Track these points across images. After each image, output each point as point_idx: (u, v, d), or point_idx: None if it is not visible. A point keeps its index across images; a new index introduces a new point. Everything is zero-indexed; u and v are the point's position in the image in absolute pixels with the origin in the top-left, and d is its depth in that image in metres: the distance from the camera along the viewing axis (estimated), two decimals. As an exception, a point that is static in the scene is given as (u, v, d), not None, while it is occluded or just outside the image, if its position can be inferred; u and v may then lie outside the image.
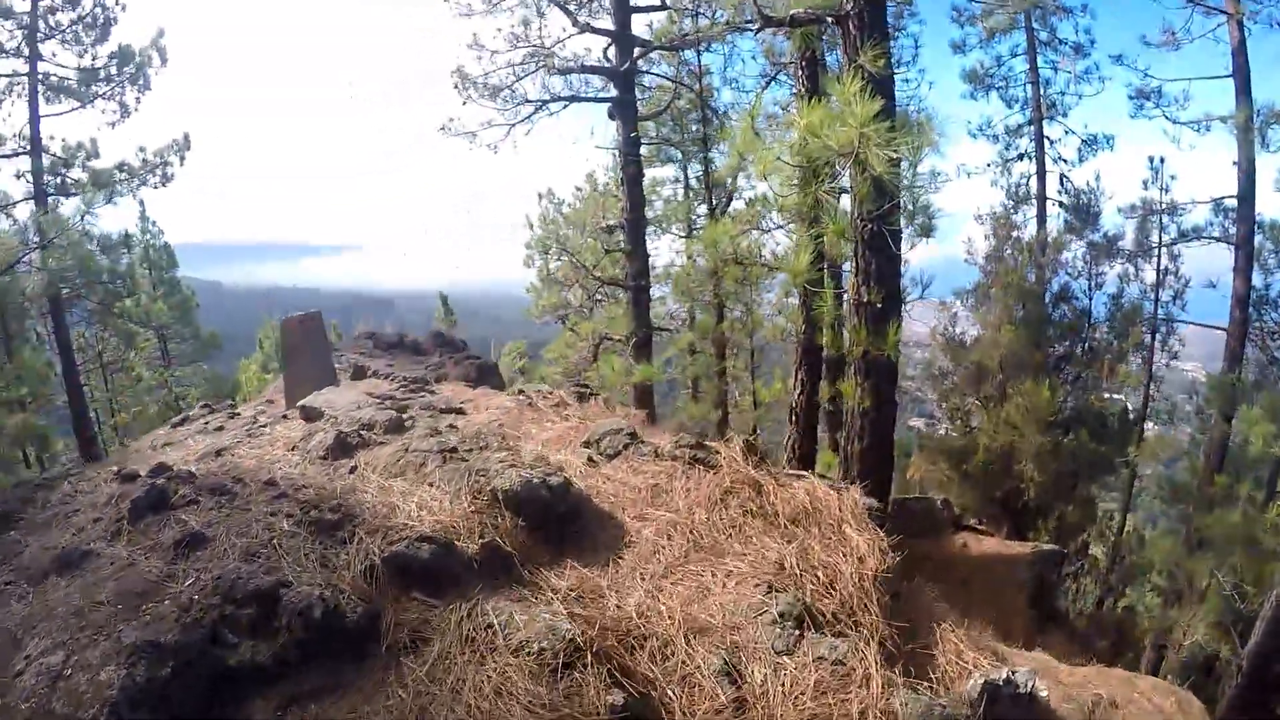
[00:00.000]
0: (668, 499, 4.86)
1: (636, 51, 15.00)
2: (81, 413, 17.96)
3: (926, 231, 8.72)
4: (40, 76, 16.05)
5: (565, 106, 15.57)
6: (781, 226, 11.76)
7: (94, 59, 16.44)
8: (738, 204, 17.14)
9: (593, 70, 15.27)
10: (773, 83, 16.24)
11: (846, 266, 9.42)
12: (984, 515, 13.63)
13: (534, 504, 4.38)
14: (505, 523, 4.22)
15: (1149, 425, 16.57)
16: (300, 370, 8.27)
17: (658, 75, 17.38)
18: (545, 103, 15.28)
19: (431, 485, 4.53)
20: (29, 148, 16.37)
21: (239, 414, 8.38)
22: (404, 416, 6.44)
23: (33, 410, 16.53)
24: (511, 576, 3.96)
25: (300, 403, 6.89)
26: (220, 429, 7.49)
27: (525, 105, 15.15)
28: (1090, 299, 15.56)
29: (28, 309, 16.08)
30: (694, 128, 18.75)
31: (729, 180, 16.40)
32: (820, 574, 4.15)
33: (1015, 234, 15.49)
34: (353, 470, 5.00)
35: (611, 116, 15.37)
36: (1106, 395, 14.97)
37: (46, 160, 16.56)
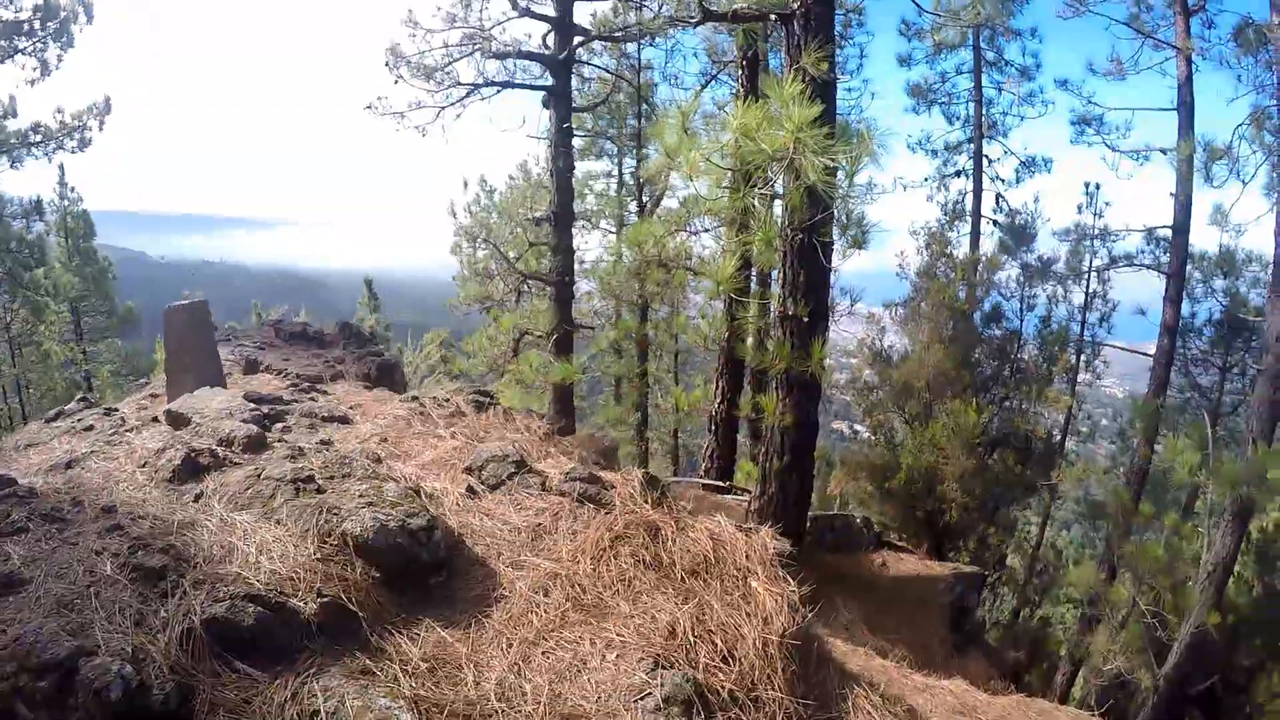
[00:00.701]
0: (551, 543, 4.30)
1: (576, 40, 14.49)
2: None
3: (859, 244, 8.36)
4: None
5: (498, 92, 14.97)
6: (709, 230, 11.40)
7: (17, 11, 15.39)
8: (670, 203, 16.76)
9: (530, 56, 14.72)
10: (714, 82, 15.82)
11: (776, 275, 9.08)
12: (905, 533, 13.44)
13: (390, 553, 3.80)
14: (355, 574, 3.61)
15: (1069, 440, 16.66)
16: (182, 364, 7.54)
17: (597, 67, 16.89)
18: (478, 86, 14.65)
19: (278, 523, 3.90)
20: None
21: (116, 410, 7.65)
22: (275, 428, 5.81)
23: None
24: (358, 642, 3.37)
25: (168, 406, 6.23)
26: (90, 429, 6.77)
27: (457, 88, 14.57)
28: (1022, 320, 15.48)
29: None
30: (631, 122, 18.34)
31: (660, 178, 15.96)
32: (718, 640, 3.65)
33: (949, 250, 15.31)
34: (198, 498, 4.38)
35: (546, 105, 14.88)
36: (1032, 415, 14.91)
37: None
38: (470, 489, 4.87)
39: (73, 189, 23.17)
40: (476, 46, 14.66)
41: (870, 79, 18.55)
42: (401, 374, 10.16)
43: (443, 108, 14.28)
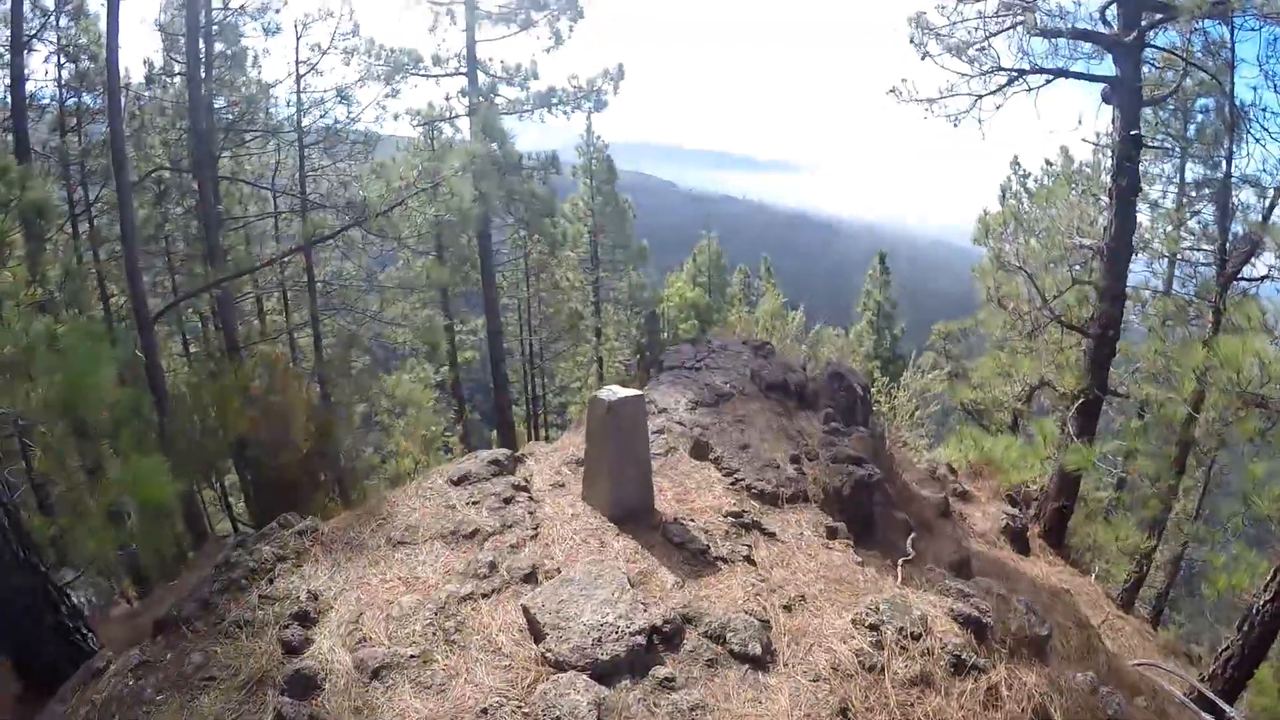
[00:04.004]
0: None
1: (1148, 18, 10.94)
2: (493, 317, 19.46)
3: None
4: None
5: (1049, 81, 12.06)
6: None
7: (529, -15, 17.55)
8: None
9: (1087, 36, 11.57)
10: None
11: None
12: None
13: None
14: None
15: None
16: (600, 469, 6.43)
17: (1157, 48, 12.58)
18: (1024, 73, 11.98)
19: None
20: (466, 69, 17.08)
21: (525, 490, 6.80)
22: (662, 664, 4.25)
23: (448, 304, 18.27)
24: None
25: (524, 602, 5.01)
26: (472, 535, 5.87)
27: (998, 73, 12.03)
28: None
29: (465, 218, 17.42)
30: (1199, 116, 13.72)
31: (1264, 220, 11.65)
32: None
33: None
34: None
35: (1107, 100, 11.66)
36: None
37: (484, 80, 17.28)
38: None
39: (598, 137, 24.96)
40: (1018, 19, 11.86)
41: None
42: (883, 494, 7.83)
43: (980, 96, 12.03)
